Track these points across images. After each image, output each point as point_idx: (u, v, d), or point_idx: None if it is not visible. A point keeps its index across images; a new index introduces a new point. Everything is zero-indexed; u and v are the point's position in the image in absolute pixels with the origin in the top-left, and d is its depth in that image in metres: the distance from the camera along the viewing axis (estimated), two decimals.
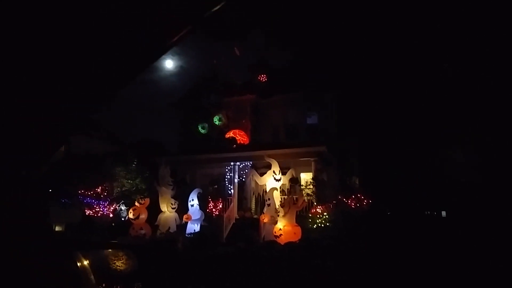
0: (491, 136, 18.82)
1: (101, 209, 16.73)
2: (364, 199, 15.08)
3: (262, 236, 15.01)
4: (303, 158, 17.24)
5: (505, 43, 17.06)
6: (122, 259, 8.75)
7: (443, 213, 20.37)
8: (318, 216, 14.85)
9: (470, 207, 17.92)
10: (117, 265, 8.53)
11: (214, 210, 16.70)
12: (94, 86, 2.35)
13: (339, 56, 20.06)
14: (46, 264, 3.23)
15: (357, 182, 16.11)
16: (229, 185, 18.37)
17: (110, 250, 5.38)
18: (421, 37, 20.30)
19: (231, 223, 16.67)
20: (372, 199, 15.26)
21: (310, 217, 15.02)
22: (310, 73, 19.64)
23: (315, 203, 15.82)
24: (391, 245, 11.97)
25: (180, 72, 21.42)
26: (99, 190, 16.88)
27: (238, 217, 17.17)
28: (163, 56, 19.46)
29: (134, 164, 17.87)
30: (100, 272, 4.29)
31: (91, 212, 16.66)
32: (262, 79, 21.30)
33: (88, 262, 4.10)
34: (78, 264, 3.92)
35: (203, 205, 16.78)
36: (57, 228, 18.66)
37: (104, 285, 4.06)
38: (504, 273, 9.25)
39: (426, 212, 20.19)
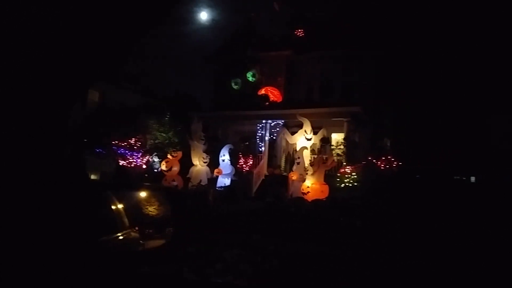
0: None
1: (134, 159, 17.20)
2: (394, 161, 14.98)
3: (290, 192, 15.24)
4: (336, 118, 17.04)
5: None
6: (154, 204, 9.02)
7: (472, 179, 20.17)
8: (346, 176, 14.90)
9: (505, 175, 17.44)
10: (150, 210, 8.83)
11: (244, 166, 16.99)
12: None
13: (383, 14, 18.95)
14: (78, 206, 3.27)
15: (389, 145, 15.92)
16: (260, 143, 18.50)
17: (143, 195, 5.51)
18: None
19: (261, 179, 16.95)
20: (402, 161, 15.12)
21: (338, 177, 15.10)
22: (351, 30, 18.65)
23: (344, 163, 15.80)
24: (416, 207, 11.97)
25: (214, 26, 21.03)
26: (132, 141, 17.26)
27: (267, 174, 17.41)
28: (199, 8, 19.06)
29: (167, 117, 18.08)
30: (133, 216, 4.39)
31: (124, 162, 17.17)
32: (299, 34, 20.27)
33: (121, 205, 4.20)
34: (112, 207, 4.01)
35: (234, 160, 17.07)
36: (92, 177, 19.49)
37: (136, 228, 4.15)
38: None
39: (455, 177, 19.96)
